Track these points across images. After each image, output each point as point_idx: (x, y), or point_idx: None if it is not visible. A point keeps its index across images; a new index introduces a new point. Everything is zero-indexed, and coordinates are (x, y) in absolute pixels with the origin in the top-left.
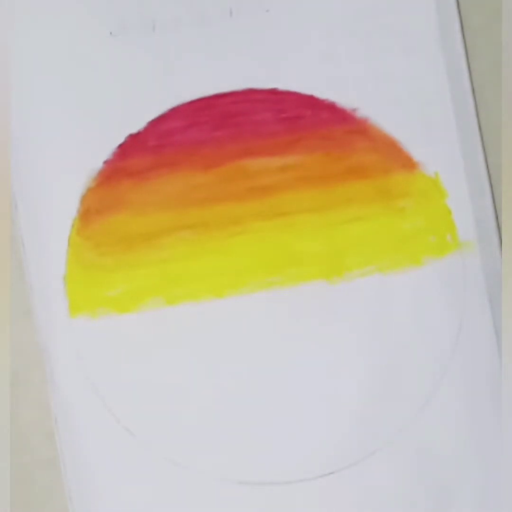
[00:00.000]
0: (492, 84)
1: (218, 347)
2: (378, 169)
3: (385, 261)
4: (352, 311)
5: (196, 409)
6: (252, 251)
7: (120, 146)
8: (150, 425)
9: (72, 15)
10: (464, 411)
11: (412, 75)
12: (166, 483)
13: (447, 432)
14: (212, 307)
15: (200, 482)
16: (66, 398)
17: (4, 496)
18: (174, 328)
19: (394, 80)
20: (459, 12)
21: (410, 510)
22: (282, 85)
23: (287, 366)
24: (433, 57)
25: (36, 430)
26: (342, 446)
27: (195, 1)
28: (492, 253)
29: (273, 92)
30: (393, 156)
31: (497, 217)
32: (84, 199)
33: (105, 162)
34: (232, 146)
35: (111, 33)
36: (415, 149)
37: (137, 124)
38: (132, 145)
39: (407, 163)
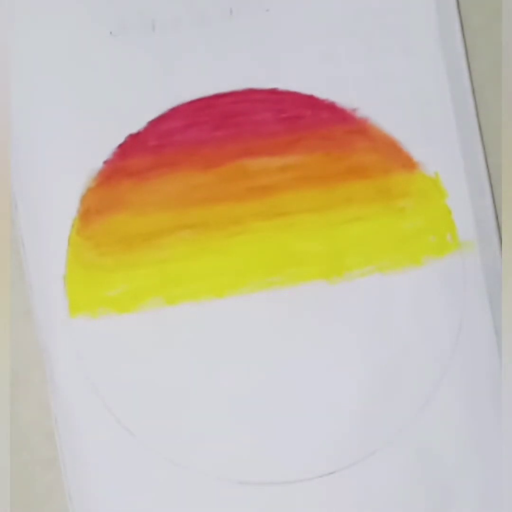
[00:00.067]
0: (492, 84)
1: (218, 347)
2: (378, 169)
3: (385, 261)
4: (352, 311)
5: (196, 409)
6: (252, 251)
7: (120, 146)
8: (150, 425)
9: (72, 15)
10: (464, 411)
11: (412, 75)
12: (166, 483)
13: (447, 432)
14: (212, 307)
15: (200, 482)
16: (66, 398)
17: (4, 496)
18: (174, 328)
19: (394, 80)
20: (459, 12)
21: (410, 510)
22: (282, 85)
23: (287, 366)
24: (433, 57)
25: (36, 430)
26: (342, 446)
27: (195, 1)
28: (492, 253)
29: (273, 92)
30: (393, 156)
31: (497, 217)
32: (84, 199)
33: (105, 162)
34: (232, 146)
35: (111, 33)
36: (415, 149)
37: (137, 124)
38: (132, 145)
39: (407, 163)
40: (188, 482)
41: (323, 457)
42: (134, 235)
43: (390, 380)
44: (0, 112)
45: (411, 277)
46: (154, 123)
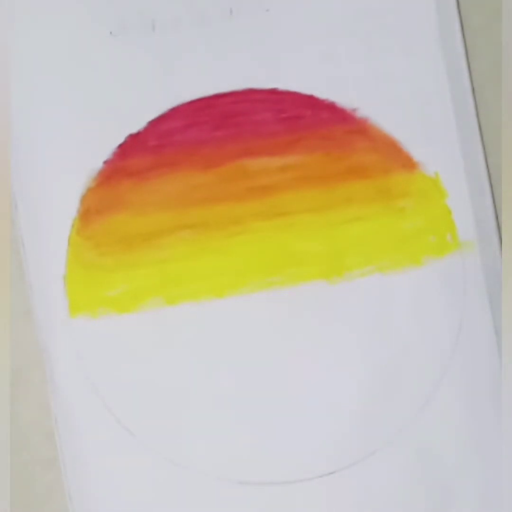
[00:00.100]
0: (492, 84)
1: (218, 347)
2: (378, 169)
3: (385, 261)
4: (352, 311)
5: (196, 409)
6: (252, 251)
7: (120, 146)
8: (150, 425)
9: (72, 15)
10: (464, 411)
11: (412, 75)
12: (166, 483)
13: (447, 432)
14: (212, 307)
15: (200, 482)
16: (66, 398)
17: (4, 496)
18: (174, 328)
19: (394, 80)
20: (459, 12)
21: (410, 510)
22: (282, 85)
23: (287, 366)
24: (433, 57)
25: (36, 430)
26: (342, 446)
27: (195, 1)
28: (492, 253)
29: (273, 92)
30: (393, 156)
31: (497, 217)
32: (84, 199)
33: (105, 162)
34: (232, 146)
35: (111, 33)
36: (415, 149)
37: (137, 124)
38: (132, 145)
39: (407, 163)
40: (188, 482)
41: (323, 457)
42: (134, 235)
43: (390, 380)
44: (0, 112)
45: (411, 277)
46: (154, 123)
